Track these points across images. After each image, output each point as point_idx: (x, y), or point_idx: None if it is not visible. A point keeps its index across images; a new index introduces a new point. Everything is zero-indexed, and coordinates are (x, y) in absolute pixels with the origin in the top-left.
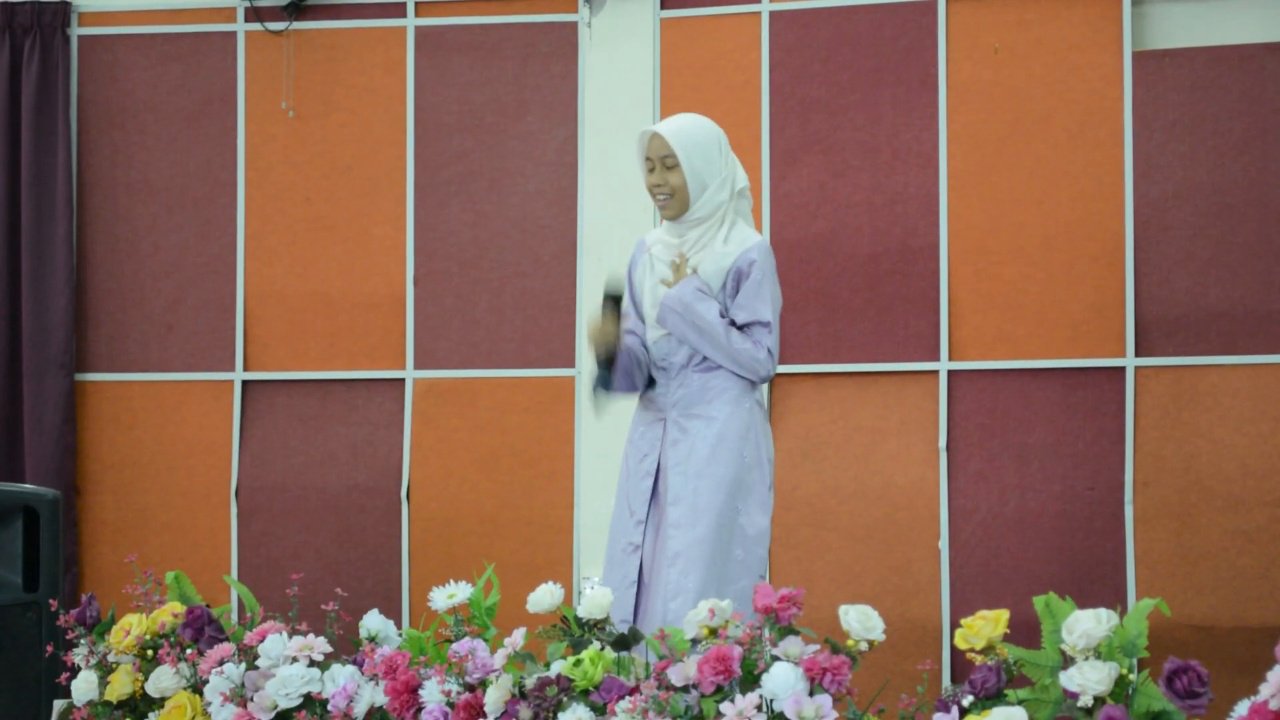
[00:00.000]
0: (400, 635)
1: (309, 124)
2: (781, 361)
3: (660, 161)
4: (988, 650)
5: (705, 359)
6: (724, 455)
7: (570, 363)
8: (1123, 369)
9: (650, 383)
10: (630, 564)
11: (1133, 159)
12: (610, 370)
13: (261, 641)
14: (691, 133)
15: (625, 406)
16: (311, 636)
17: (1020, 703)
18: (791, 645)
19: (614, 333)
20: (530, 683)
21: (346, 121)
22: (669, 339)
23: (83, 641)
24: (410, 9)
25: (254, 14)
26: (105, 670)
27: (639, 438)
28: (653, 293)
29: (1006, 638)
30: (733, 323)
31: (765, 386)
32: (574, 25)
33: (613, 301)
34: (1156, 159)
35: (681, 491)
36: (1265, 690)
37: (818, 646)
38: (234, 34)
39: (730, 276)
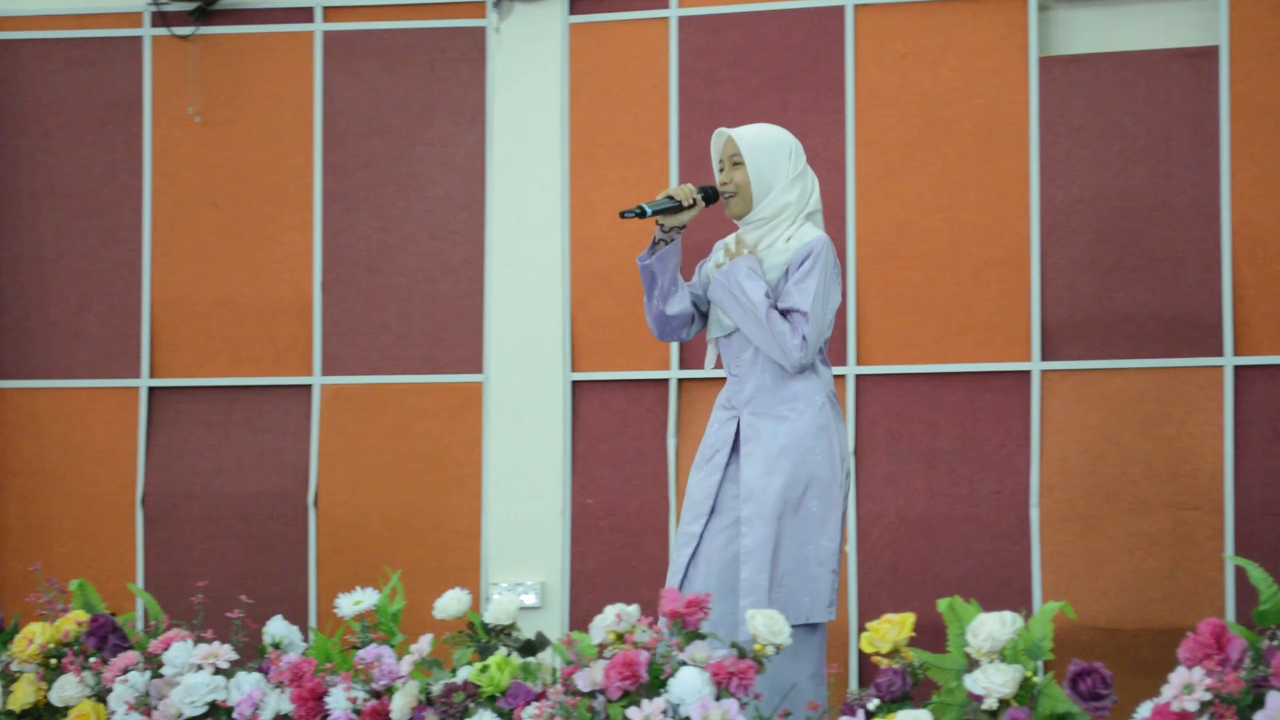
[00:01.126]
0: (306, 642)
1: (216, 130)
2: (689, 366)
3: (729, 160)
4: (893, 654)
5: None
6: (794, 453)
7: (478, 368)
8: (1028, 373)
9: (675, 329)
10: (685, 552)
11: (1039, 164)
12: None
13: (166, 650)
14: (760, 135)
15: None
16: (217, 644)
17: (926, 706)
18: (698, 650)
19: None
20: (437, 689)
21: (254, 127)
22: (739, 337)
23: None
24: (318, 14)
25: (160, 19)
26: (8, 679)
27: (713, 434)
28: (711, 294)
29: (915, 641)
30: (775, 305)
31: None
32: (482, 31)
33: (709, 193)
34: (1062, 164)
35: (753, 489)
36: (1167, 691)
37: (724, 651)
38: (140, 39)
39: (790, 268)
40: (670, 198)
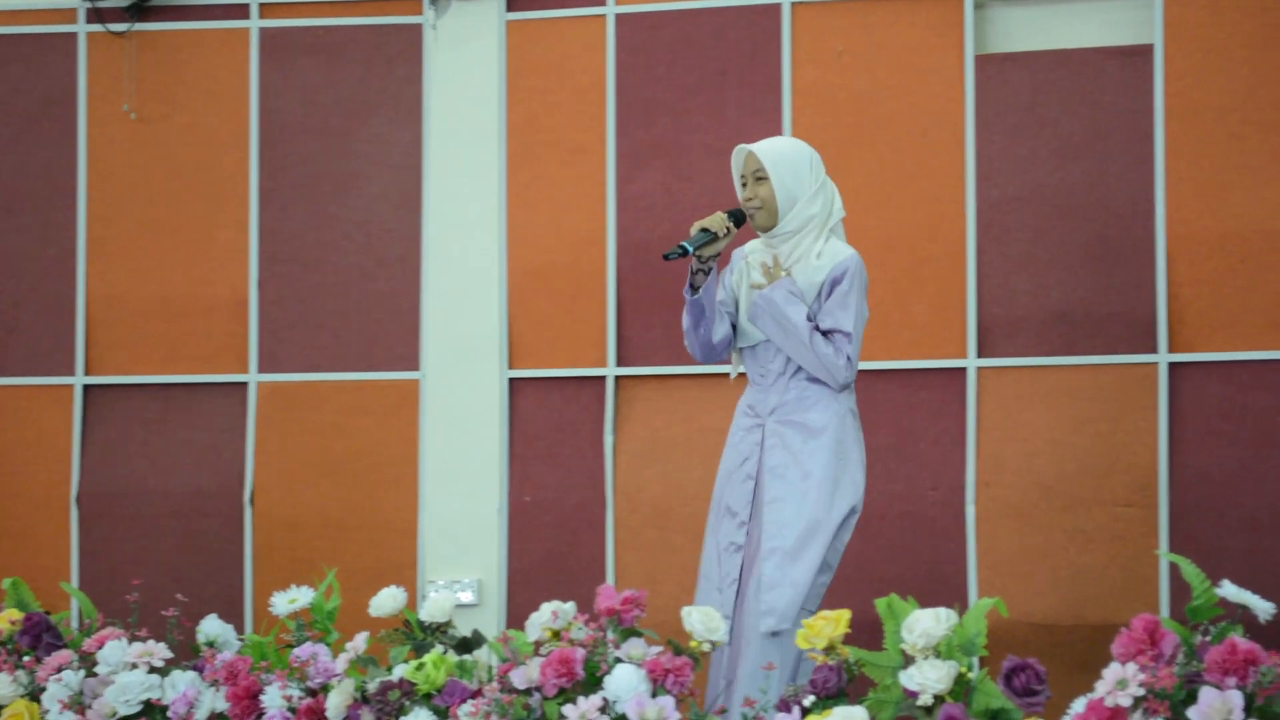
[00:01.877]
0: (241, 640)
1: (151, 126)
2: (627, 363)
3: (752, 176)
4: (829, 650)
5: (800, 368)
6: (823, 459)
7: (414, 366)
8: (964, 370)
9: (710, 349)
10: (733, 563)
11: (974, 161)
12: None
13: (101, 648)
14: (781, 149)
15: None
16: (151, 643)
17: (862, 702)
18: (634, 647)
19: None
20: (372, 687)
21: (189, 124)
22: (768, 347)
23: None
24: (254, 11)
25: (95, 15)
26: None
27: (739, 441)
28: (747, 297)
29: (851, 638)
30: (817, 328)
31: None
32: (419, 28)
33: (737, 216)
34: (998, 162)
35: (780, 493)
36: (1101, 687)
37: (660, 648)
38: (75, 35)
39: (825, 287)
40: (705, 230)
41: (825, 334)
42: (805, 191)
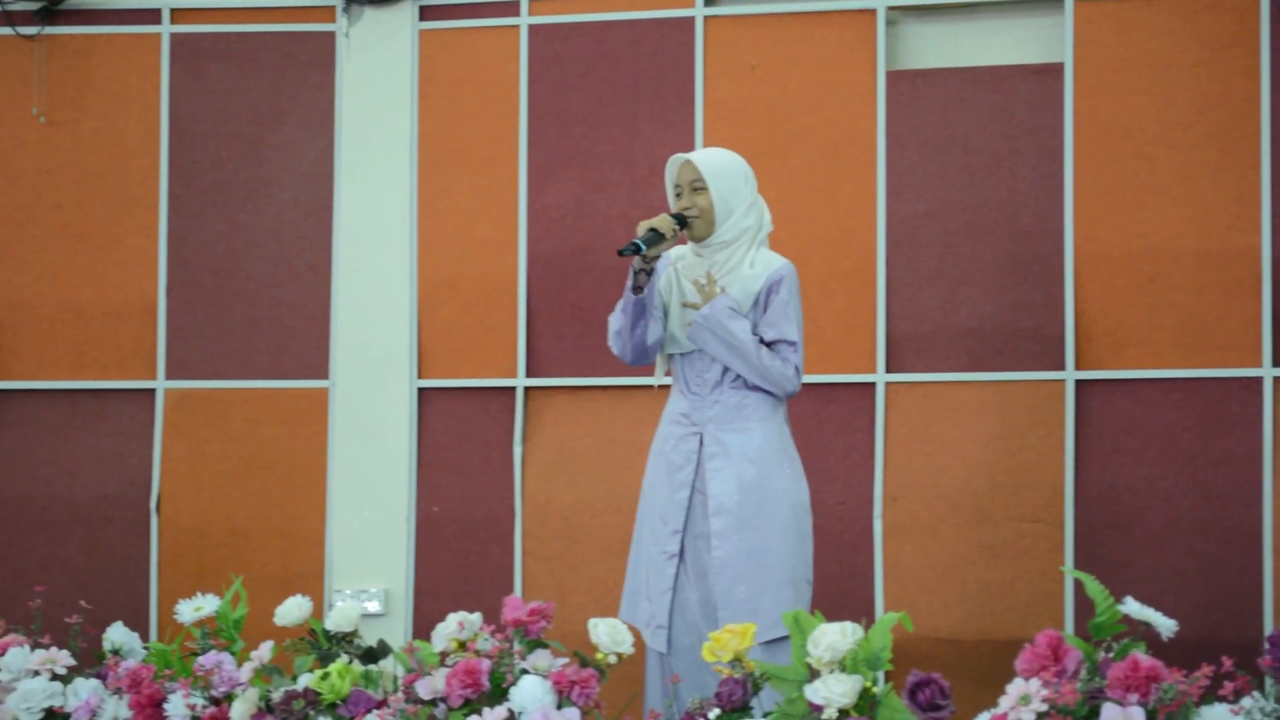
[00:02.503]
0: (145, 648)
1: (61, 130)
2: (537, 374)
3: (689, 186)
4: (735, 663)
5: (737, 377)
6: (769, 468)
7: (324, 374)
8: (873, 385)
9: (642, 351)
10: (668, 571)
11: (885, 177)
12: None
13: (3, 655)
14: (720, 161)
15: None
16: (55, 650)
17: (768, 716)
18: (540, 658)
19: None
20: (277, 696)
21: (99, 128)
22: (702, 357)
23: None
24: (165, 16)
25: (5, 18)
26: None
27: (670, 450)
28: (680, 312)
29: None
30: (761, 340)
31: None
32: (332, 36)
33: (681, 220)
34: (908, 177)
35: (725, 503)
36: (1005, 702)
37: (567, 660)
38: None
39: (761, 297)
40: (654, 230)
41: (769, 345)
42: (741, 203)
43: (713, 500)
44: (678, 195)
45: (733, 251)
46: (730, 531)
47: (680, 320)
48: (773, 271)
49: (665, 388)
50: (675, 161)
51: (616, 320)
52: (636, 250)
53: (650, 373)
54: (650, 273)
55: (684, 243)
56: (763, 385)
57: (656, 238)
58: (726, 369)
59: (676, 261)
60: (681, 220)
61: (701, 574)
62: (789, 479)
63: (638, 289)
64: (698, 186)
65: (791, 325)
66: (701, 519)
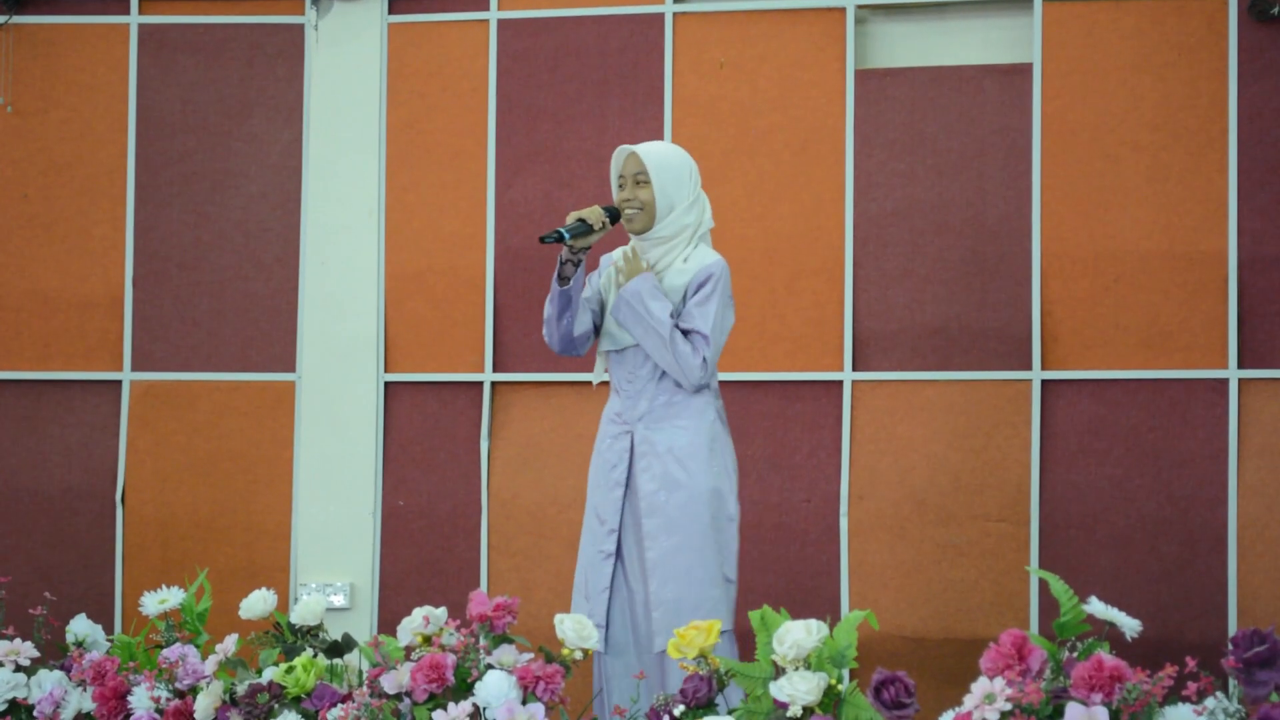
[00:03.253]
0: (109, 640)
1: (28, 120)
2: (504, 369)
3: (632, 178)
4: (700, 660)
5: (666, 375)
6: (695, 466)
7: (290, 367)
8: (840, 383)
9: (570, 342)
10: (604, 570)
11: (853, 175)
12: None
13: None
14: (665, 154)
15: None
16: (18, 641)
17: (733, 713)
18: (505, 653)
19: (602, 230)
20: (241, 689)
21: (66, 118)
22: (634, 354)
23: None
24: (134, 6)
25: None
26: None
27: (606, 449)
28: (614, 313)
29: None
30: (679, 326)
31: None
32: (300, 28)
33: (612, 214)
34: (876, 176)
35: (655, 502)
36: (969, 701)
37: (532, 655)
38: None
39: (688, 291)
40: (581, 220)
41: (685, 334)
42: (684, 199)
43: (643, 500)
44: (620, 186)
45: (671, 247)
46: (660, 531)
47: (613, 304)
48: (703, 267)
49: (606, 384)
50: (621, 152)
51: (546, 309)
52: (559, 238)
53: (586, 366)
54: (577, 264)
55: (627, 242)
56: (670, 372)
57: (584, 228)
58: (655, 366)
59: (618, 260)
60: (613, 214)
61: (640, 573)
62: (715, 477)
63: (563, 279)
64: (641, 179)
65: (707, 319)
66: (636, 518)
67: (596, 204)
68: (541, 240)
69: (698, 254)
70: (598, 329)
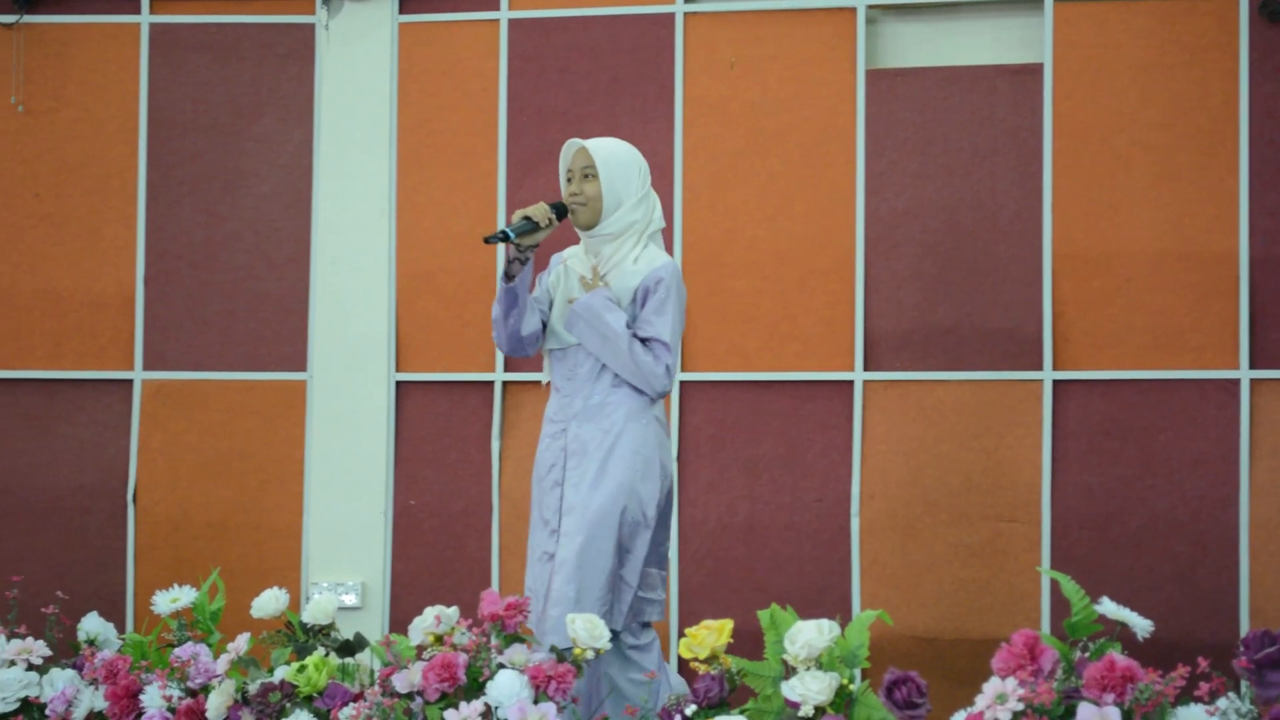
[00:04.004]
0: (121, 639)
1: (39, 119)
2: (515, 368)
3: (580, 172)
4: (711, 659)
5: (604, 373)
6: (614, 468)
7: (301, 366)
8: (851, 383)
9: (517, 341)
10: (544, 572)
11: (864, 175)
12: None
13: None
14: (614, 150)
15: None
16: (30, 640)
17: (744, 712)
18: (517, 653)
19: (549, 225)
20: (253, 688)
21: (78, 118)
22: (573, 353)
23: None
24: (145, 6)
25: None
26: None
27: (545, 449)
28: (562, 306)
29: (734, 647)
30: (636, 335)
31: (661, 402)
32: (311, 27)
33: (559, 209)
34: (887, 176)
35: (574, 501)
36: (981, 701)
37: (543, 654)
38: None
39: (639, 294)
40: (527, 218)
41: (644, 342)
42: (631, 196)
43: (565, 499)
44: (568, 180)
45: (619, 245)
46: (574, 530)
47: (561, 316)
48: (654, 270)
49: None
50: (570, 146)
51: (494, 309)
52: (504, 238)
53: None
54: (524, 261)
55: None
56: (634, 382)
57: (529, 226)
58: (595, 366)
59: (569, 259)
60: (560, 210)
61: None
62: (636, 479)
63: (509, 277)
64: (589, 174)
65: (665, 325)
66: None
67: (542, 200)
68: (486, 241)
69: (647, 254)
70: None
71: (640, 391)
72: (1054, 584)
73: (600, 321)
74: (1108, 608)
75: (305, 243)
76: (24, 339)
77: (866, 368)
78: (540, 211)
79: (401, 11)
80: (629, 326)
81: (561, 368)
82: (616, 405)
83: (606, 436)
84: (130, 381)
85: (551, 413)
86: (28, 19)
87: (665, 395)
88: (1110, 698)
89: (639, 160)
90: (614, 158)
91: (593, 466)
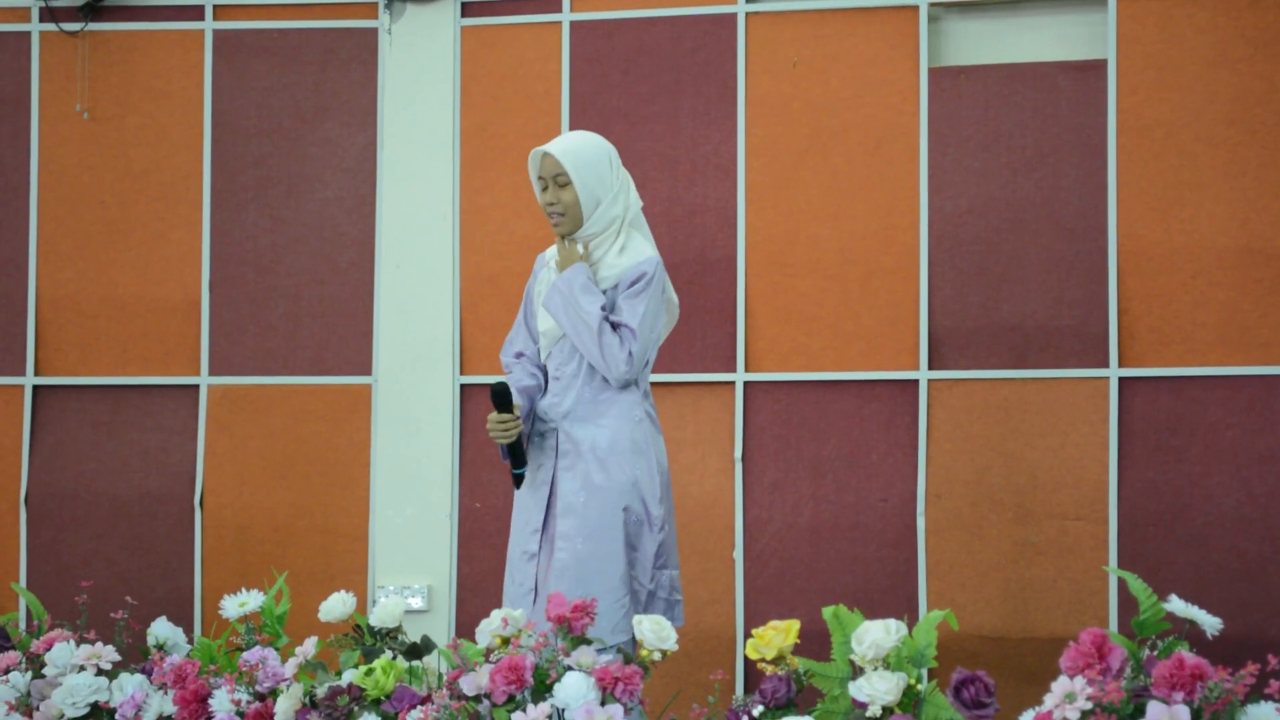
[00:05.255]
0: (190, 644)
1: (104, 126)
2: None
3: (553, 180)
4: (778, 660)
5: (594, 372)
6: (615, 469)
7: (366, 370)
8: (916, 382)
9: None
10: (527, 571)
11: (927, 173)
12: (518, 454)
13: (49, 650)
14: (581, 149)
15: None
16: (100, 645)
17: (810, 713)
18: (584, 655)
19: (511, 418)
20: (321, 692)
21: (143, 124)
22: (560, 350)
23: None
24: (209, 12)
25: (49, 14)
26: None
27: (534, 448)
28: (546, 315)
29: (800, 648)
30: (608, 319)
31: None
32: (374, 32)
33: (498, 397)
34: (951, 174)
35: (572, 503)
36: (1049, 700)
37: (610, 656)
38: (28, 34)
39: (623, 284)
40: (504, 447)
41: (614, 328)
42: (608, 192)
43: (561, 500)
44: (543, 189)
45: (601, 240)
46: (574, 534)
47: (546, 307)
48: (638, 263)
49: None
50: (536, 155)
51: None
52: (518, 474)
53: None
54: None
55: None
56: (597, 366)
57: (508, 449)
58: (580, 364)
59: (551, 260)
60: (502, 395)
61: (555, 575)
62: (636, 481)
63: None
64: (561, 180)
65: (636, 314)
66: (555, 517)
67: (489, 424)
68: (516, 484)
69: (633, 245)
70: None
71: (632, 389)
72: (1121, 582)
73: (575, 300)
74: (1176, 606)
75: (369, 247)
76: (91, 345)
77: (931, 366)
78: (503, 431)
79: (463, 15)
80: (605, 310)
81: (552, 364)
82: (610, 403)
83: (601, 437)
84: (196, 387)
85: (541, 411)
86: (92, 27)
87: (627, 384)
88: (1179, 696)
89: (606, 150)
90: (583, 158)
91: (589, 468)
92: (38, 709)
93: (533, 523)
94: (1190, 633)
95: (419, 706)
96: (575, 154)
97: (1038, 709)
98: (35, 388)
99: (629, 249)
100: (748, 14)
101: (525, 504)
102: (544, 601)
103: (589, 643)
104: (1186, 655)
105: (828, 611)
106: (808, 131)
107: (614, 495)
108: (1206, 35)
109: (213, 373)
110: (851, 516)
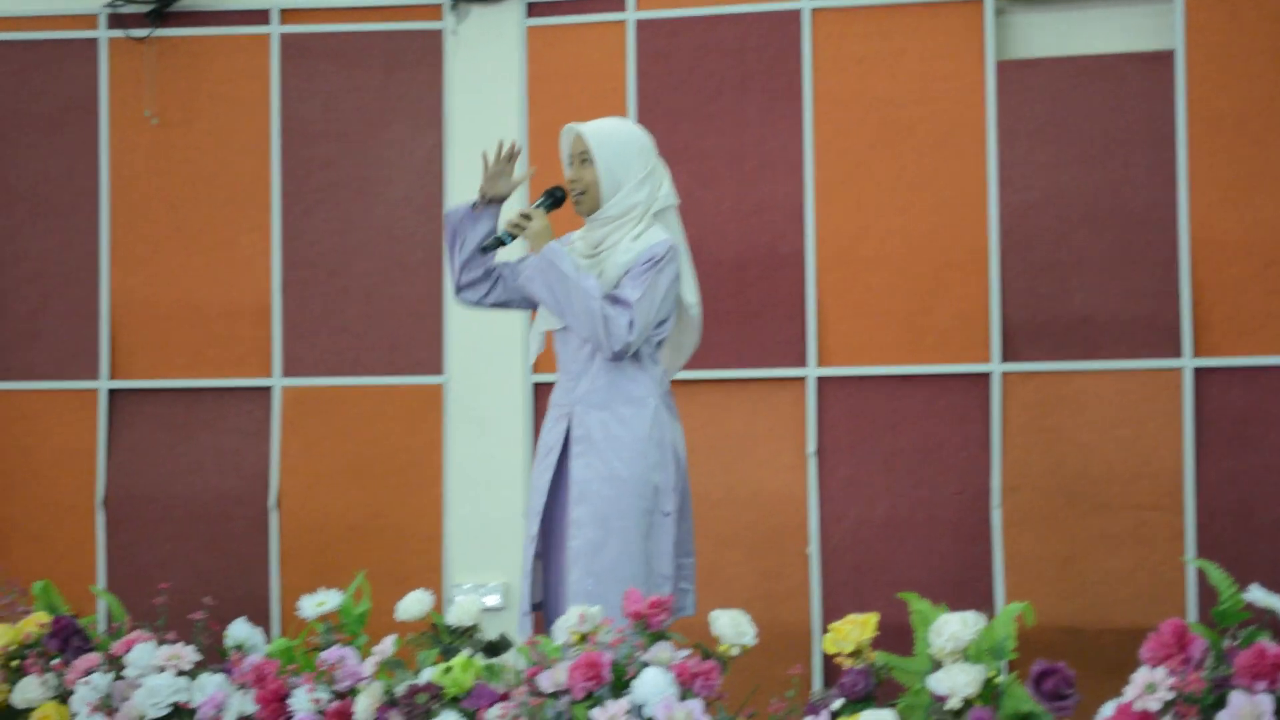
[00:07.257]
0: (268, 643)
1: (173, 131)
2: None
3: (577, 158)
4: (856, 654)
5: (600, 355)
6: (634, 459)
7: (438, 370)
8: (988, 374)
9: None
10: (527, 554)
11: (996, 167)
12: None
13: (129, 651)
14: (611, 131)
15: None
16: (179, 646)
17: (892, 705)
18: (662, 651)
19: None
20: (400, 690)
21: (211, 129)
22: (567, 336)
23: None
24: (275, 16)
25: (116, 21)
26: None
27: (546, 432)
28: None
29: (877, 642)
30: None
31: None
32: (439, 33)
33: (550, 197)
34: (1020, 167)
35: (585, 491)
36: (1130, 691)
37: (688, 652)
38: (96, 41)
39: (632, 267)
40: (519, 226)
41: (613, 303)
42: (632, 177)
43: (574, 487)
44: (570, 167)
45: (618, 225)
46: (587, 521)
47: (529, 289)
48: (650, 246)
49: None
50: (568, 132)
51: (447, 236)
52: (499, 244)
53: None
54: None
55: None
56: (590, 336)
57: (521, 229)
58: (588, 348)
59: (575, 242)
60: (558, 198)
61: (556, 562)
62: (653, 471)
63: (485, 250)
64: (585, 159)
65: (636, 290)
66: (565, 503)
67: (555, 185)
68: (482, 251)
69: (649, 233)
70: (492, 290)
71: (638, 374)
72: (1199, 572)
73: (556, 272)
74: (1256, 595)
75: (438, 247)
76: (164, 349)
77: (1004, 359)
78: (536, 213)
79: (529, 15)
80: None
81: (565, 350)
82: (624, 390)
83: (618, 428)
84: (269, 388)
85: (555, 397)
86: (159, 33)
87: (621, 355)
88: (1262, 685)
89: (639, 138)
90: (609, 140)
91: (608, 459)
92: (119, 710)
93: (535, 506)
94: (1271, 622)
95: (498, 704)
96: (602, 134)
97: (1119, 700)
98: (110, 392)
99: (645, 236)
100: (813, 10)
101: (533, 488)
102: (540, 586)
103: (667, 638)
104: (1268, 645)
105: (911, 597)
106: (875, 127)
107: (633, 486)
108: (1275, 24)
109: (285, 374)
110: (926, 510)
